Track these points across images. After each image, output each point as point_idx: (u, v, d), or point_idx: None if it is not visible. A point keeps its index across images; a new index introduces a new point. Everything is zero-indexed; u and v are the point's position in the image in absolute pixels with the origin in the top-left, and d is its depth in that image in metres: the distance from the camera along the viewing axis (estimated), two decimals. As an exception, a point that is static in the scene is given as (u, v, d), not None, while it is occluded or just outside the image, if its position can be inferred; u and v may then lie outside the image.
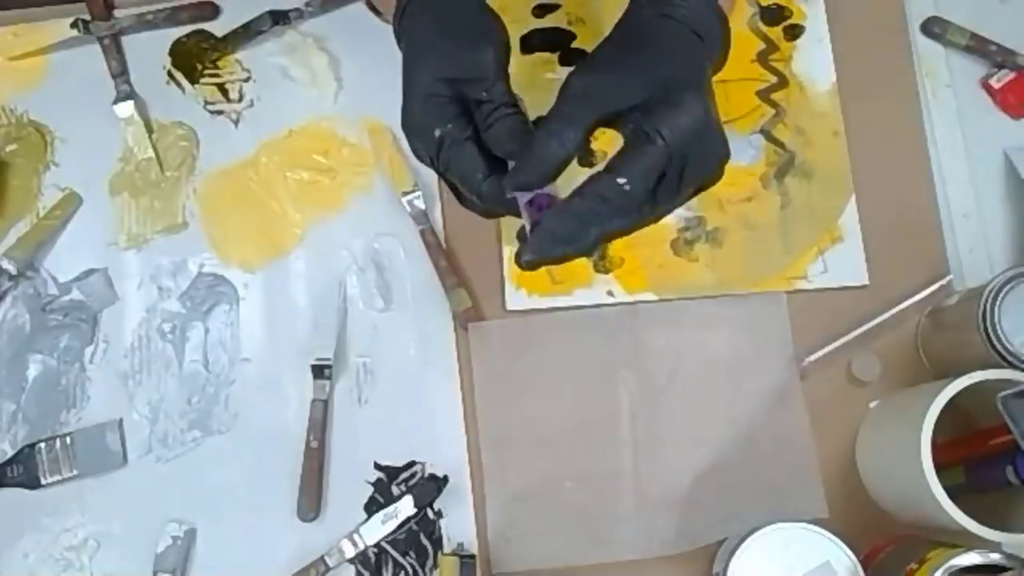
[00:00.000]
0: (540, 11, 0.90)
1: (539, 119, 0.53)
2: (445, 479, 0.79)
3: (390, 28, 0.63)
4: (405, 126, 0.54)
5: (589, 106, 0.51)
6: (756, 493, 0.78)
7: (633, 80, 0.51)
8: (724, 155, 0.53)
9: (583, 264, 0.84)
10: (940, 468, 0.66)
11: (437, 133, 0.52)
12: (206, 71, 0.91)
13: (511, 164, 0.52)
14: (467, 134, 0.52)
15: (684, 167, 0.51)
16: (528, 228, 0.52)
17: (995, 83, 0.86)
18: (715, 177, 0.54)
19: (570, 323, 0.82)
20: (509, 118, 0.52)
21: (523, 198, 0.52)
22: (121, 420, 0.83)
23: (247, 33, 0.91)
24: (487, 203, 0.53)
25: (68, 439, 0.81)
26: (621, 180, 0.51)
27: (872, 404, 0.80)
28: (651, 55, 0.52)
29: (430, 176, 0.85)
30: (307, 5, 0.91)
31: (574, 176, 0.86)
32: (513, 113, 0.52)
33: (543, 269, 0.84)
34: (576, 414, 0.80)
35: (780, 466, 0.79)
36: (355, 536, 0.78)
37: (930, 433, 0.67)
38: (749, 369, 0.77)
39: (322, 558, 0.78)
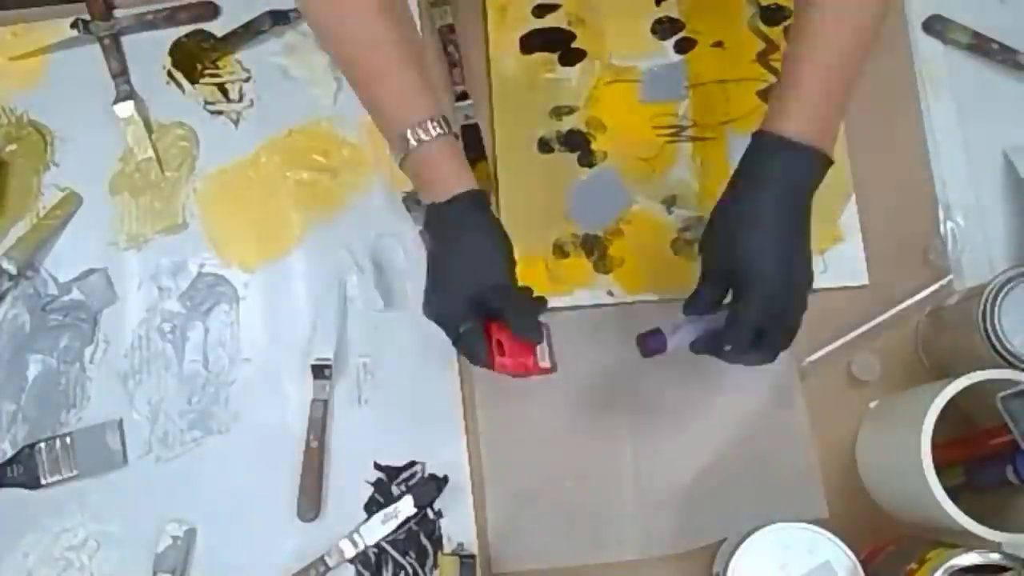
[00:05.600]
0: (540, 11, 0.90)
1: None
2: (445, 479, 0.79)
3: None
4: (430, 315, 0.68)
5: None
6: (756, 493, 0.78)
7: (712, 260, 0.68)
8: (803, 285, 0.65)
9: (583, 264, 0.84)
10: (940, 468, 0.66)
11: (461, 329, 0.66)
12: (206, 71, 0.91)
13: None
14: (480, 329, 0.66)
15: (775, 324, 0.64)
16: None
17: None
18: (799, 316, 0.65)
19: (570, 323, 0.82)
20: (528, 316, 0.67)
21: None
22: (121, 420, 0.83)
23: (247, 33, 0.91)
24: (478, 365, 0.68)
25: (68, 439, 0.81)
26: (727, 347, 0.65)
27: (872, 404, 0.80)
28: (726, 237, 0.65)
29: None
30: (307, 5, 0.91)
31: (576, 174, 0.87)
32: (529, 310, 0.67)
33: (543, 268, 0.84)
34: (575, 414, 0.80)
35: (780, 466, 0.79)
36: (355, 536, 0.78)
37: (930, 433, 0.67)
38: (748, 369, 0.77)
39: (322, 558, 0.78)
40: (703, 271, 0.68)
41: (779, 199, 0.63)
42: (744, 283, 0.63)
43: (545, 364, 0.68)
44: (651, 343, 0.68)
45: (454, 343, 0.68)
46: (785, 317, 0.64)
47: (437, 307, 0.68)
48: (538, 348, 0.68)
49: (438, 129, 0.66)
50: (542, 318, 0.68)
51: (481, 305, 0.66)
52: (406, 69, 0.67)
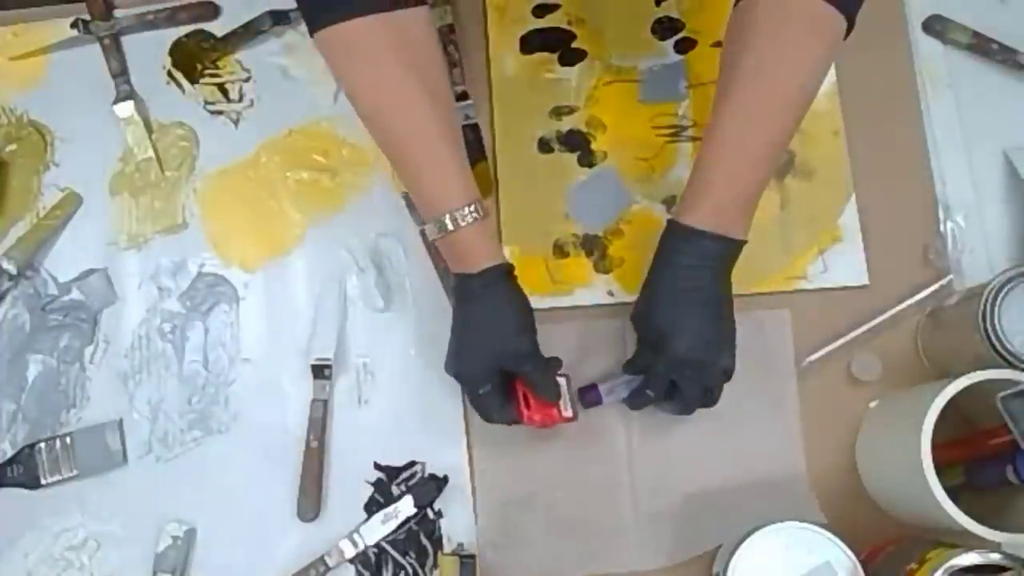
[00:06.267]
0: (540, 11, 0.90)
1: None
2: (445, 479, 0.79)
3: None
4: (451, 373, 0.74)
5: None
6: (753, 503, 0.77)
7: (640, 329, 0.75)
8: (725, 366, 0.72)
9: (583, 264, 0.84)
10: (940, 468, 0.66)
11: (480, 391, 0.72)
12: (206, 71, 0.91)
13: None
14: (499, 390, 0.73)
15: (685, 380, 0.72)
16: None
17: None
18: (720, 381, 0.73)
19: (567, 331, 0.82)
20: (548, 378, 0.74)
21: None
22: (121, 420, 0.83)
23: (247, 33, 0.91)
24: (495, 422, 0.75)
25: (68, 439, 0.81)
26: (649, 392, 0.75)
27: (872, 404, 0.80)
28: (648, 310, 0.72)
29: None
30: (307, 5, 0.91)
31: (576, 174, 0.87)
32: (547, 373, 0.74)
33: (543, 268, 0.84)
34: (570, 423, 0.80)
35: (775, 474, 0.78)
36: (355, 536, 0.78)
37: (930, 433, 0.67)
38: (748, 379, 0.76)
39: (322, 558, 0.78)
40: (637, 338, 0.76)
41: (687, 280, 0.70)
42: (659, 348, 0.71)
43: (568, 414, 0.75)
44: (587, 397, 0.78)
45: (471, 401, 0.75)
46: (697, 377, 0.72)
47: (459, 368, 0.73)
48: (560, 401, 0.74)
49: (474, 214, 0.69)
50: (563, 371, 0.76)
51: (502, 369, 0.72)
52: (445, 155, 0.70)
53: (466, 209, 0.69)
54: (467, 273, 0.71)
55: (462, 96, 0.88)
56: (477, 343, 0.72)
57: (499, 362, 0.72)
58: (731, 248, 0.70)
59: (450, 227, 0.69)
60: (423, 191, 0.71)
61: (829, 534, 0.69)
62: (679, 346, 0.70)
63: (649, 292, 0.73)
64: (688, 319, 0.70)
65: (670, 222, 0.71)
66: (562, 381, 0.75)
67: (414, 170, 0.71)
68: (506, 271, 0.72)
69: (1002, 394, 0.65)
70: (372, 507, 0.80)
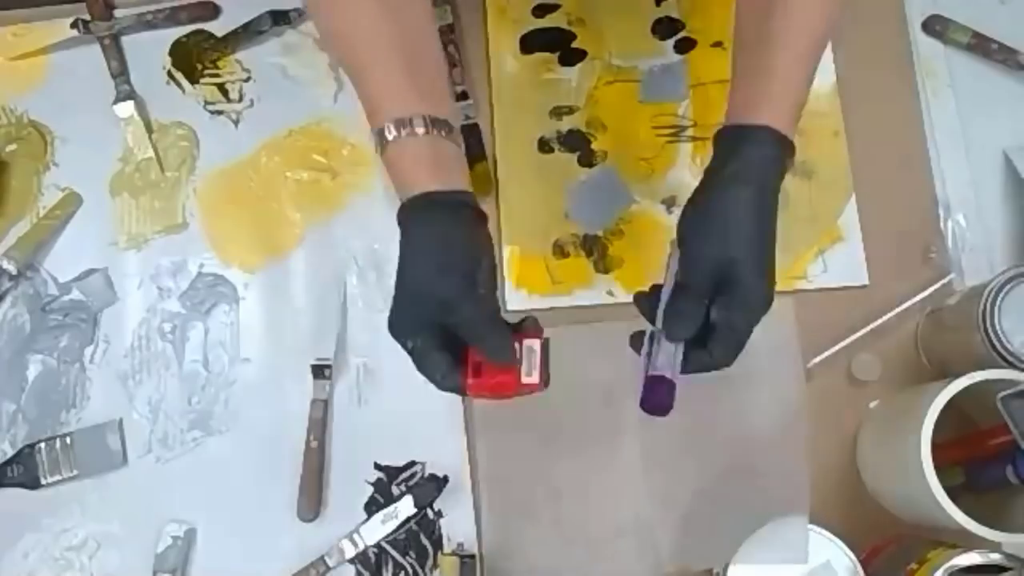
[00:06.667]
0: (540, 11, 0.90)
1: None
2: (445, 479, 0.79)
3: None
4: (389, 326, 0.61)
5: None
6: (757, 505, 0.76)
7: (700, 262, 0.60)
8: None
9: (583, 264, 0.84)
10: (940, 468, 0.66)
11: (409, 345, 0.60)
12: (206, 71, 0.91)
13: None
14: (434, 346, 0.59)
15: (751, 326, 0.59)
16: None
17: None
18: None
19: (572, 336, 0.81)
20: (493, 332, 0.59)
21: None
22: (121, 420, 0.83)
23: (247, 33, 0.91)
24: (443, 390, 0.61)
25: (68, 439, 0.81)
26: (719, 358, 0.60)
27: (872, 404, 0.80)
28: (714, 232, 0.60)
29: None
30: (307, 5, 0.91)
31: (576, 174, 0.87)
32: (489, 328, 0.59)
33: (543, 269, 0.84)
34: (574, 422, 0.79)
35: (780, 477, 0.78)
36: (355, 536, 0.78)
37: (930, 433, 0.67)
38: (755, 375, 0.75)
39: (322, 558, 0.78)
40: (678, 285, 0.61)
41: (762, 195, 0.59)
42: (729, 288, 0.58)
43: (532, 380, 0.59)
44: (666, 398, 0.59)
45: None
46: (763, 313, 0.60)
47: (390, 320, 0.61)
48: (524, 364, 0.59)
49: (421, 127, 0.59)
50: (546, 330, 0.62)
51: (435, 322, 0.59)
52: (398, 62, 0.60)
53: (412, 122, 0.58)
54: (401, 203, 0.60)
55: (462, 96, 0.88)
56: (400, 288, 0.60)
57: (422, 310, 0.58)
58: (791, 156, 0.61)
59: (389, 137, 0.58)
60: (367, 97, 0.61)
61: (829, 534, 0.69)
62: (760, 286, 0.58)
63: (715, 222, 0.60)
64: (766, 248, 0.59)
65: (725, 129, 0.62)
66: (533, 343, 0.60)
67: (362, 75, 0.61)
68: (439, 198, 0.59)
69: (1002, 394, 0.65)
70: (372, 507, 0.80)
